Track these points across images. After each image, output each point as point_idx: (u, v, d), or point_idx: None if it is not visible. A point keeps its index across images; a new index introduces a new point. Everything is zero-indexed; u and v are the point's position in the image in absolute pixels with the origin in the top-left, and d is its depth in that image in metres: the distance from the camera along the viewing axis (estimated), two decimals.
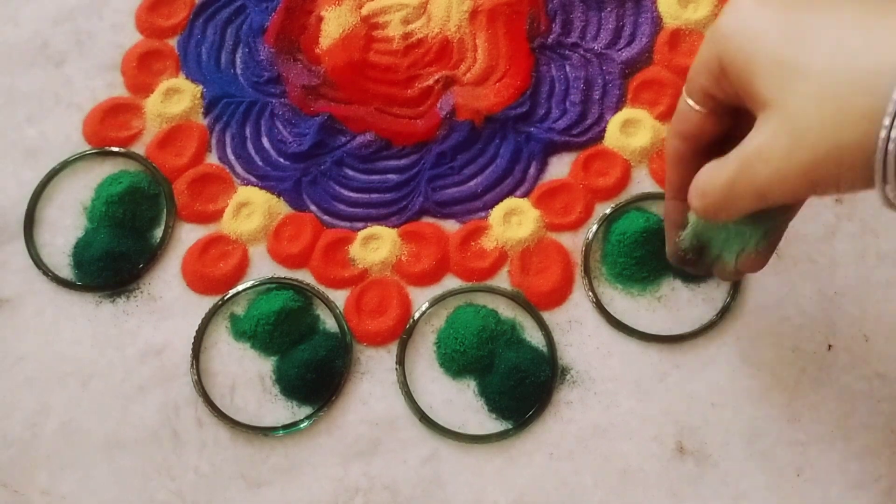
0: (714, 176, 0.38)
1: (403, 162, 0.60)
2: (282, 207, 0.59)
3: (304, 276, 0.57)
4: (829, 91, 0.33)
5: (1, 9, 0.65)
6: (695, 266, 0.48)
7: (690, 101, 0.41)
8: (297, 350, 0.54)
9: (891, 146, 0.32)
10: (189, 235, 0.58)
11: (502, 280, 0.57)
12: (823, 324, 0.54)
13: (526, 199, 0.58)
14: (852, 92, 0.33)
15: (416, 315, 0.55)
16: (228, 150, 0.61)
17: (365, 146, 0.60)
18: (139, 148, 0.60)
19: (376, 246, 0.57)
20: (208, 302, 0.56)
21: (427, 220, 0.58)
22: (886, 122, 0.32)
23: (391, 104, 0.61)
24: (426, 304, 0.56)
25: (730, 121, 0.41)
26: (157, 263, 0.58)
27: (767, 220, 0.43)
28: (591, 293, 0.56)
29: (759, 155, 0.36)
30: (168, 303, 0.57)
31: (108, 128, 0.61)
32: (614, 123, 0.60)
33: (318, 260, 0.57)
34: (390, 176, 0.59)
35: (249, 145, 0.61)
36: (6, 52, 0.63)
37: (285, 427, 0.53)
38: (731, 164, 0.37)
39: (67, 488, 0.53)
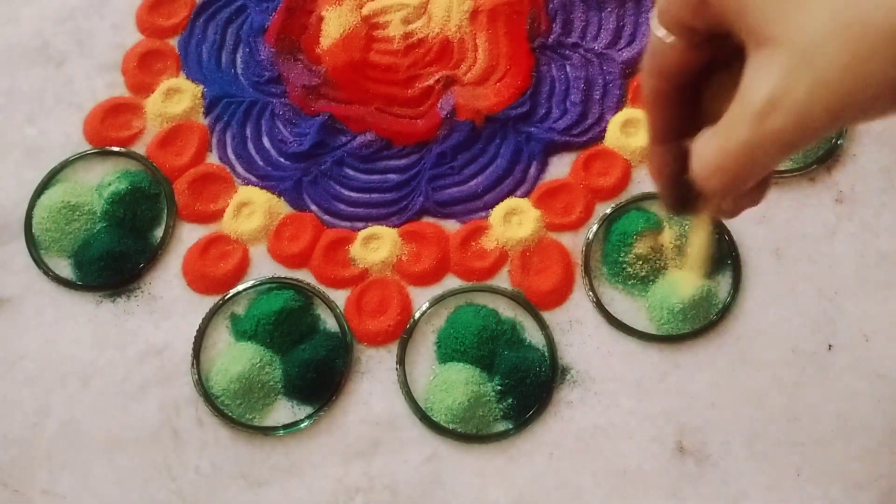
0: (723, 147, 0.32)
1: (404, 162, 0.60)
2: (282, 207, 0.59)
3: (305, 276, 0.57)
4: (844, 14, 0.28)
5: (1, 9, 0.65)
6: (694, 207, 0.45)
7: (662, 33, 0.36)
8: (298, 350, 0.54)
9: None
10: (189, 235, 0.58)
11: (502, 280, 0.57)
12: (823, 324, 0.54)
13: (526, 199, 0.58)
14: (874, 12, 0.27)
15: (417, 315, 0.55)
16: (229, 150, 0.61)
17: (365, 146, 0.60)
18: (140, 148, 0.60)
19: (377, 246, 0.57)
20: (209, 302, 0.56)
21: (427, 219, 0.58)
22: None
23: (391, 104, 0.61)
24: (426, 304, 0.56)
25: (713, 50, 0.35)
26: (157, 263, 0.58)
27: None
28: (591, 293, 0.56)
29: (775, 104, 0.29)
30: (168, 302, 0.57)
31: (109, 127, 0.61)
32: (615, 123, 0.60)
33: (318, 260, 0.57)
34: (391, 176, 0.59)
35: (250, 145, 0.61)
36: (7, 52, 0.63)
37: (285, 427, 0.53)
38: (740, 125, 0.31)
39: (67, 488, 0.53)
